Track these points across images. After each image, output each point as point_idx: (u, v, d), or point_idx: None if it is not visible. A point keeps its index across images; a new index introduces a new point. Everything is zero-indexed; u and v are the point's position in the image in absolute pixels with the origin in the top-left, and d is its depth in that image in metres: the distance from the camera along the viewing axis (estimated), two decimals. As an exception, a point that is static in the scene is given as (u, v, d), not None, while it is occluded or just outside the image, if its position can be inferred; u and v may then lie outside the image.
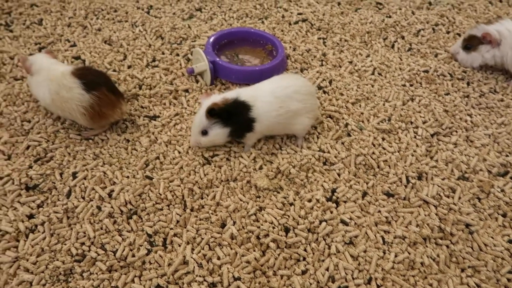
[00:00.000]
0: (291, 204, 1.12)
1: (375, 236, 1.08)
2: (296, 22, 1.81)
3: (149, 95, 1.42)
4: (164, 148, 1.25)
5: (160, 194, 1.12)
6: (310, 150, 1.26)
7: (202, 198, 1.13)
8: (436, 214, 1.13)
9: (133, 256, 1.00)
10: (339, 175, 1.21)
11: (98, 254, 0.99)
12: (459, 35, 1.80)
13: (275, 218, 1.08)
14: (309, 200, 1.13)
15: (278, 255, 1.02)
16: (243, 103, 1.17)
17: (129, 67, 1.53)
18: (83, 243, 1.02)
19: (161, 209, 1.10)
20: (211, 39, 1.55)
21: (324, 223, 1.08)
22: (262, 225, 1.07)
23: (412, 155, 1.27)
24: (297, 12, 1.87)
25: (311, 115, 1.25)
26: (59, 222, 1.06)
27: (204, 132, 1.18)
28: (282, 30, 1.77)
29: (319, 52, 1.65)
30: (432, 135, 1.35)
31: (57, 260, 0.98)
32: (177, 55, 1.60)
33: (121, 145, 1.25)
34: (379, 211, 1.13)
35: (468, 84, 1.57)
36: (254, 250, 1.03)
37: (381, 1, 2.00)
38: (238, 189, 1.15)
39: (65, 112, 1.23)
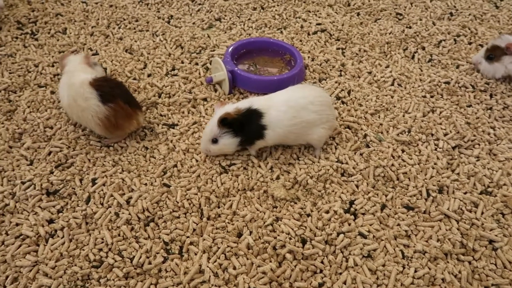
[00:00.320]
0: (308, 215, 1.11)
1: (394, 250, 1.05)
2: (315, 32, 1.81)
3: (168, 104, 1.43)
4: (182, 156, 1.26)
5: (177, 202, 1.13)
6: (328, 160, 1.25)
7: (218, 207, 1.13)
8: (458, 229, 1.10)
9: (150, 263, 1.00)
10: (357, 186, 1.20)
11: (115, 261, 1.00)
12: (482, 46, 1.77)
13: (292, 229, 1.07)
14: (327, 212, 1.12)
15: (295, 266, 1.01)
16: (255, 111, 1.17)
17: (149, 75, 1.55)
18: (100, 249, 1.03)
19: (178, 217, 1.10)
20: (230, 49, 1.56)
21: (341, 235, 1.06)
22: (278, 235, 1.06)
23: (433, 168, 1.25)
24: (316, 22, 1.88)
25: (328, 126, 1.24)
26: (78, 227, 1.07)
27: (214, 141, 1.18)
28: (300, 40, 1.77)
29: (338, 62, 1.65)
30: (453, 148, 1.32)
31: (75, 265, 0.99)
32: (196, 64, 1.62)
33: (140, 153, 1.27)
34: (399, 225, 1.11)
35: (491, 96, 1.53)
36: (271, 261, 1.02)
37: (401, 12, 1.99)
38: (255, 199, 1.15)
39: (81, 119, 1.25)
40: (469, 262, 1.04)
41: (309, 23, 1.88)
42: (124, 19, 1.86)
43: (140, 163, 1.24)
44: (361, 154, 1.28)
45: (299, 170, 1.22)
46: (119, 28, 1.81)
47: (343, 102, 1.47)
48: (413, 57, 1.72)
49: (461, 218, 1.13)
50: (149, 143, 1.29)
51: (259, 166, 1.23)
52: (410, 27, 1.88)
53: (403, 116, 1.43)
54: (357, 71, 1.62)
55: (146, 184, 1.17)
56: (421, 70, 1.64)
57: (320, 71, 1.60)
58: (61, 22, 1.82)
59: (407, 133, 1.36)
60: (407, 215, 1.13)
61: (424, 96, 1.51)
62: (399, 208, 1.15)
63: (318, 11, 1.97)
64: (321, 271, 1.01)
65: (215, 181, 1.19)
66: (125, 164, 1.23)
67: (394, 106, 1.47)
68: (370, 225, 1.10)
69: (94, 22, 1.83)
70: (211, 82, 1.49)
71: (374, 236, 1.08)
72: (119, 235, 1.06)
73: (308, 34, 1.81)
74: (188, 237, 1.06)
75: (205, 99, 1.46)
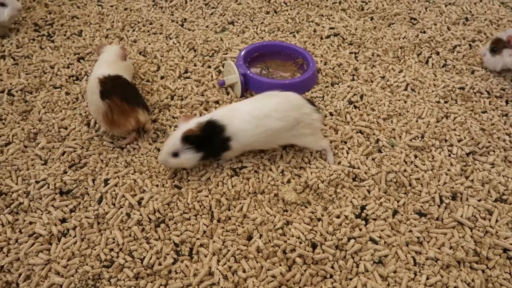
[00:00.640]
0: (319, 220, 1.10)
1: (406, 256, 1.04)
2: (328, 36, 1.81)
3: (180, 106, 1.44)
4: (194, 158, 1.26)
5: (188, 204, 1.13)
6: (340, 165, 1.25)
7: (229, 210, 1.13)
8: (471, 237, 1.08)
9: (160, 264, 1.01)
10: (369, 191, 1.19)
11: (126, 261, 1.01)
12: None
13: (302, 233, 1.07)
14: (338, 216, 1.11)
15: (305, 271, 1.00)
16: (217, 124, 1.15)
17: (162, 77, 1.57)
18: (112, 249, 1.04)
19: (189, 219, 1.11)
20: (243, 52, 1.57)
21: (352, 241, 1.05)
22: (288, 239, 1.05)
23: (446, 174, 1.23)
24: (329, 26, 1.87)
25: (308, 127, 1.21)
26: (90, 227, 1.08)
27: (175, 154, 1.16)
28: (313, 44, 1.77)
29: (351, 66, 1.64)
30: (467, 154, 1.30)
31: (87, 264, 1.00)
32: (209, 67, 1.63)
33: (152, 154, 1.28)
34: (411, 231, 1.09)
35: (506, 102, 1.51)
36: (280, 265, 1.01)
37: (415, 17, 1.97)
38: (265, 202, 1.15)
39: (94, 113, 1.31)
40: (483, 271, 1.02)
41: (322, 27, 1.87)
42: (139, 22, 1.88)
43: (152, 165, 1.24)
44: (373, 159, 1.27)
45: (310, 174, 1.21)
46: (133, 30, 1.83)
47: (355, 107, 1.46)
48: (427, 62, 1.70)
49: (474, 225, 1.11)
50: (161, 145, 1.30)
51: (270, 170, 1.23)
52: (424, 32, 1.87)
53: (416, 121, 1.41)
54: (370, 76, 1.61)
55: (157, 186, 1.18)
56: (435, 75, 1.62)
57: (333, 75, 1.60)
58: (77, 25, 1.84)
59: (420, 138, 1.35)
60: (419, 222, 1.12)
61: (438, 102, 1.50)
62: (411, 214, 1.13)
63: (331, 15, 1.97)
64: (331, 276, 1.00)
65: (226, 184, 1.19)
66: (137, 165, 1.24)
67: (407, 111, 1.45)
68: (382, 230, 1.09)
69: (109, 25, 1.85)
70: (223, 85, 1.49)
71: (385, 242, 1.07)
72: (130, 235, 1.07)
73: (321, 38, 1.81)
74: (198, 239, 1.06)
75: (217, 102, 1.47)
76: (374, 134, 1.36)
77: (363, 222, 1.11)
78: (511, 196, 1.18)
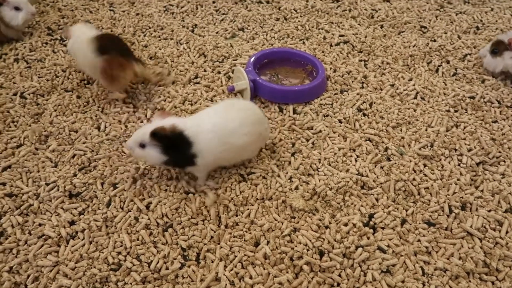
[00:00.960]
0: (326, 227, 1.10)
1: (414, 266, 1.03)
2: (338, 44, 1.81)
3: (190, 111, 1.45)
4: (202, 163, 1.26)
5: (196, 209, 1.13)
6: (348, 173, 1.24)
7: (236, 215, 1.13)
8: (481, 248, 1.07)
9: (167, 269, 1.01)
10: (377, 200, 1.18)
11: (133, 265, 1.01)
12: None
13: (310, 240, 1.06)
14: (346, 224, 1.11)
15: (312, 278, 1.00)
16: (186, 138, 1.10)
17: (172, 82, 1.58)
18: (119, 253, 1.04)
19: (196, 224, 1.11)
20: (252, 59, 1.58)
21: (360, 249, 1.05)
22: (296, 246, 1.05)
23: (456, 184, 1.22)
24: (339, 34, 1.88)
25: (261, 139, 1.23)
26: (98, 230, 1.09)
27: (142, 146, 1.11)
28: (323, 51, 1.77)
29: (360, 74, 1.64)
30: (477, 164, 1.29)
31: (94, 267, 1.01)
32: (219, 72, 1.64)
33: (161, 158, 1.28)
34: (419, 240, 1.09)
35: (517, 112, 1.50)
36: (287, 272, 1.01)
37: (425, 25, 1.97)
38: (273, 208, 1.15)
39: (92, 73, 1.43)
40: (492, 282, 1.01)
41: (331, 34, 1.88)
42: (150, 27, 1.90)
43: (161, 169, 1.25)
44: (381, 167, 1.27)
45: (319, 181, 1.21)
46: (145, 35, 1.85)
47: (364, 114, 1.46)
48: (437, 71, 1.70)
49: (484, 236, 1.10)
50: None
51: (278, 176, 1.23)
52: (434, 40, 1.86)
53: (426, 130, 1.40)
54: (380, 84, 1.60)
55: (165, 190, 1.19)
56: (445, 84, 1.62)
57: (342, 82, 1.60)
58: (89, 29, 1.87)
59: (429, 147, 1.34)
60: (428, 231, 1.11)
61: (448, 111, 1.49)
62: (420, 223, 1.12)
63: (341, 22, 1.97)
64: (338, 285, 1.00)
65: (233, 189, 1.19)
66: (146, 169, 1.25)
67: (417, 120, 1.45)
68: (390, 239, 1.08)
69: (120, 30, 1.87)
70: (233, 91, 1.50)
71: (393, 251, 1.06)
72: (138, 239, 1.07)
73: (331, 45, 1.81)
74: (205, 244, 1.06)
75: (226, 108, 1.47)
76: (383, 142, 1.35)
77: (371, 230, 1.10)
78: (522, 207, 1.17)
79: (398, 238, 1.09)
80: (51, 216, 1.12)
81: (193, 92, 1.53)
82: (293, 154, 1.30)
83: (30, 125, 1.39)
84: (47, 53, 1.71)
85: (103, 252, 1.04)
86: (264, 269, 1.01)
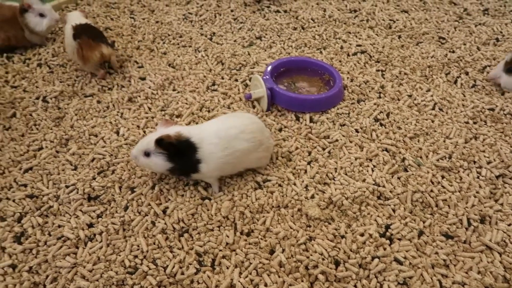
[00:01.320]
0: (342, 237, 1.09)
1: (432, 279, 1.02)
2: (355, 54, 1.81)
3: (207, 118, 1.46)
4: (218, 170, 1.27)
5: (212, 215, 1.14)
6: (365, 182, 1.24)
7: (252, 223, 1.13)
8: (501, 262, 1.05)
9: (182, 274, 1.01)
10: (394, 210, 1.17)
11: (150, 268, 1.02)
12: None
13: (325, 250, 1.06)
14: (362, 234, 1.10)
15: (327, 288, 0.99)
16: (191, 145, 1.12)
17: (191, 91, 1.60)
18: (136, 256, 1.05)
19: (212, 230, 1.11)
20: (270, 67, 1.59)
21: (376, 260, 1.04)
22: (311, 255, 1.05)
23: (475, 197, 1.20)
24: (356, 43, 1.88)
25: (262, 149, 1.22)
26: (115, 233, 1.10)
27: (147, 154, 1.14)
28: (340, 61, 1.77)
29: (377, 84, 1.64)
30: (497, 177, 1.27)
31: (111, 270, 1.02)
32: (236, 80, 1.65)
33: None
34: (437, 253, 1.07)
35: (538, 125, 1.47)
36: (302, 281, 1.01)
37: (444, 36, 1.96)
38: (288, 216, 1.15)
39: (73, 56, 1.61)
40: (512, 298, 0.99)
41: (349, 44, 1.88)
42: (169, 35, 1.93)
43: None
44: (398, 178, 1.26)
45: (335, 190, 1.21)
46: (164, 43, 1.88)
47: (381, 124, 1.45)
48: (455, 82, 1.68)
49: (504, 250, 1.08)
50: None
51: (294, 184, 1.23)
52: (453, 52, 1.85)
53: (444, 141, 1.39)
54: (397, 94, 1.60)
55: (182, 196, 1.20)
56: (464, 96, 1.60)
57: (359, 92, 1.59)
58: (110, 36, 1.91)
59: (447, 159, 1.33)
60: (446, 244, 1.09)
61: (467, 122, 1.47)
62: (437, 235, 1.11)
63: (358, 32, 1.97)
64: (354, 295, 0.99)
65: (249, 197, 1.19)
66: (163, 174, 1.26)
67: (435, 131, 1.43)
68: (407, 251, 1.07)
69: (140, 37, 1.91)
70: (250, 99, 1.51)
71: (410, 263, 1.05)
72: (154, 243, 1.08)
73: (348, 55, 1.81)
74: (221, 250, 1.07)
75: (243, 115, 1.48)
76: (400, 152, 1.35)
77: (388, 241, 1.09)
78: (543, 222, 1.15)
79: (415, 250, 1.08)
80: (70, 218, 1.14)
81: (210, 99, 1.54)
82: (309, 163, 1.30)
83: (51, 129, 1.42)
84: (69, 59, 1.75)
85: (120, 255, 1.05)
86: (279, 277, 1.01)
